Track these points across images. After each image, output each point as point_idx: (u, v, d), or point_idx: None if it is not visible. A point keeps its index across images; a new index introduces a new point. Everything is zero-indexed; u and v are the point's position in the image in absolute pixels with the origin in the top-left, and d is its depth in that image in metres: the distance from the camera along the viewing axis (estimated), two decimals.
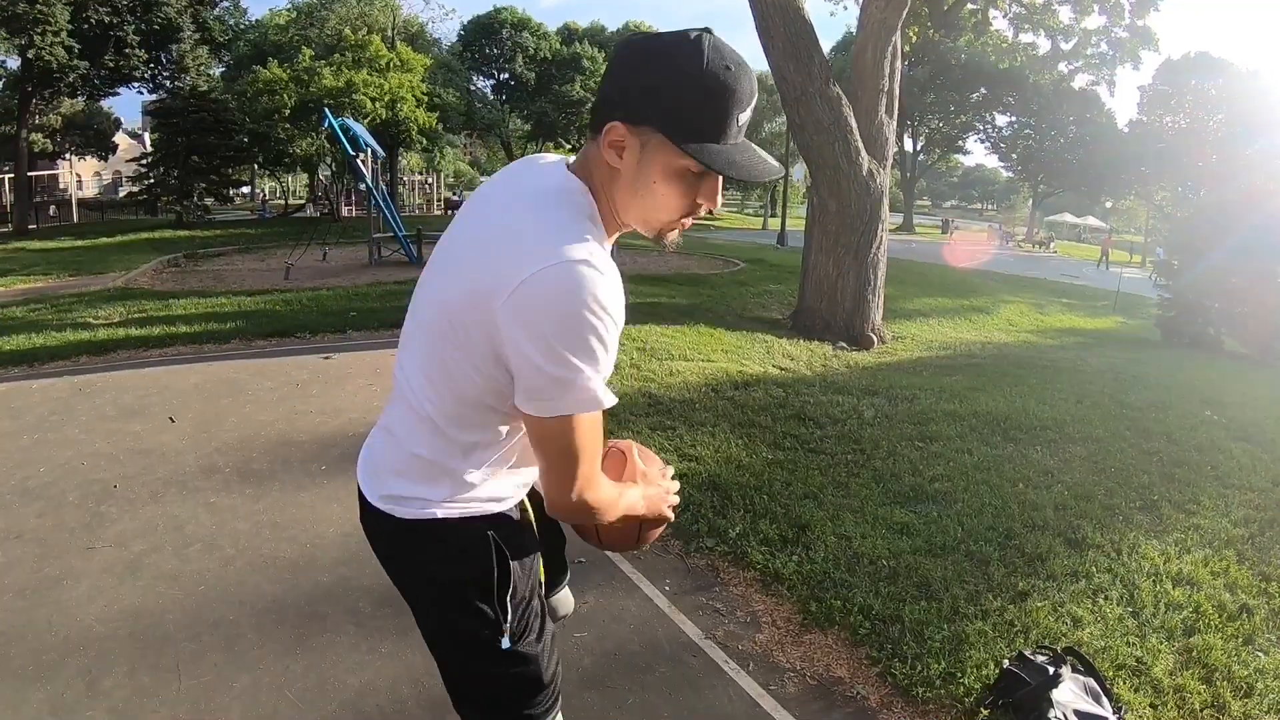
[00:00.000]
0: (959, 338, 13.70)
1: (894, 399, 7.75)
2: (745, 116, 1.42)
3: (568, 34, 63.66)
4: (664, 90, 1.38)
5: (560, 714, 1.81)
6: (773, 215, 52.53)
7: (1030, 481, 5.63)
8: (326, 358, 8.50)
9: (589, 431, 1.51)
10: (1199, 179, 50.30)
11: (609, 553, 4.40)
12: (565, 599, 2.35)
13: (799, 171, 43.87)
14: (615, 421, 6.27)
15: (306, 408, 6.77)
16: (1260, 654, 3.65)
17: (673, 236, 1.58)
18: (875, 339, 11.98)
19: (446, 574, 1.69)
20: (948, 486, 5.38)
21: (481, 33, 60.15)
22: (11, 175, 37.88)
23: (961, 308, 17.06)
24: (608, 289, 1.39)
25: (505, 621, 1.67)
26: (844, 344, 11.40)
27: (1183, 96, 56.46)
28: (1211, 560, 4.54)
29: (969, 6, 17.81)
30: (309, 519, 4.68)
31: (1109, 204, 70.11)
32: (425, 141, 39.66)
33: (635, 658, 3.54)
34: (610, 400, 1.47)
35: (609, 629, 3.75)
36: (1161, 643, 3.67)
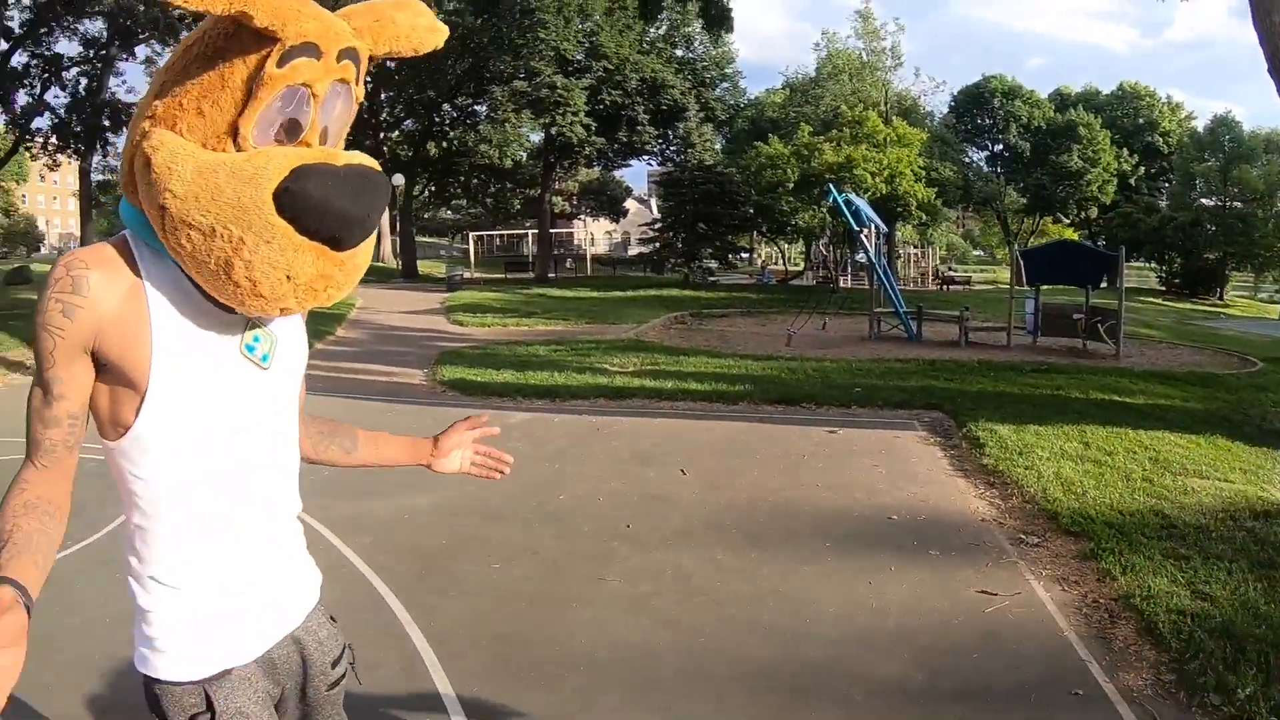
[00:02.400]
0: None
1: None
2: None
3: (1060, 100, 61.05)
4: None
5: None
6: None
7: None
8: (832, 432, 8.74)
9: None
10: None
11: (1108, 687, 4.07)
12: None
13: None
14: (1125, 542, 5.78)
15: (812, 480, 7.00)
16: None
17: None
18: None
19: None
20: None
21: (972, 103, 59.78)
22: (536, 231, 44.49)
23: None
24: None
25: None
26: None
27: None
28: None
29: None
30: (809, 593, 4.81)
31: None
32: (924, 216, 40.03)
33: None
34: None
35: None
36: None
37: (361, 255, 1.38)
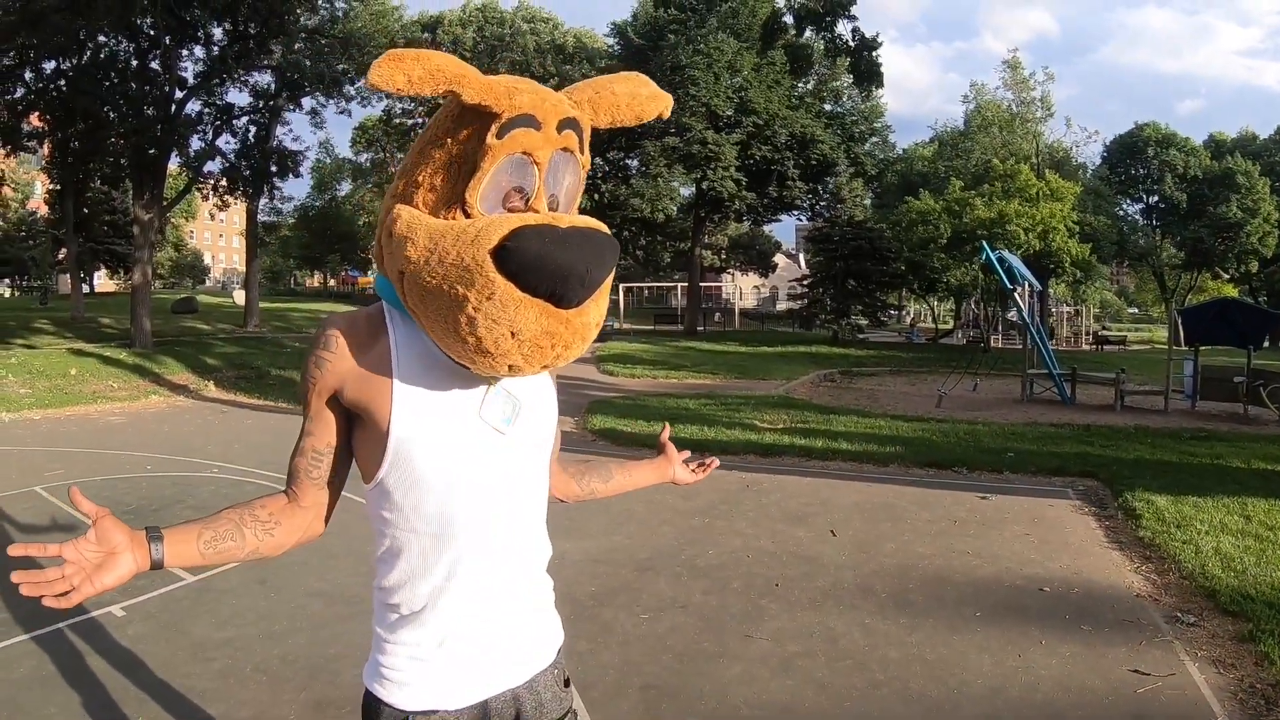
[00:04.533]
0: None
1: None
2: None
3: (1216, 147, 58.26)
4: None
5: None
6: None
7: None
8: (984, 498, 8.62)
9: None
10: None
11: None
12: None
13: None
14: None
15: (964, 547, 6.93)
16: None
17: None
18: None
19: None
20: None
21: (1125, 153, 57.83)
22: (685, 284, 45.17)
23: None
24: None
25: None
26: None
27: None
28: None
29: None
30: (958, 663, 4.77)
31: None
32: (1078, 273, 38.94)
33: None
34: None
35: None
36: None
37: (591, 314, 1.44)
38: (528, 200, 1.45)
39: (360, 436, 1.61)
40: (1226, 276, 60.14)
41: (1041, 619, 5.47)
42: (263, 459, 9.88)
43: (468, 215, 1.42)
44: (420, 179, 1.48)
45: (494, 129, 1.40)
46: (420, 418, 1.53)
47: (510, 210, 1.44)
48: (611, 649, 4.82)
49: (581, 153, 1.53)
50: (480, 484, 1.58)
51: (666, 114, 1.67)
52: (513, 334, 1.36)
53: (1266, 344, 18.03)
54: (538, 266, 1.32)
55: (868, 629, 5.20)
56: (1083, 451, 11.09)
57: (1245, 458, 10.88)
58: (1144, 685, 4.52)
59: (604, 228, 1.43)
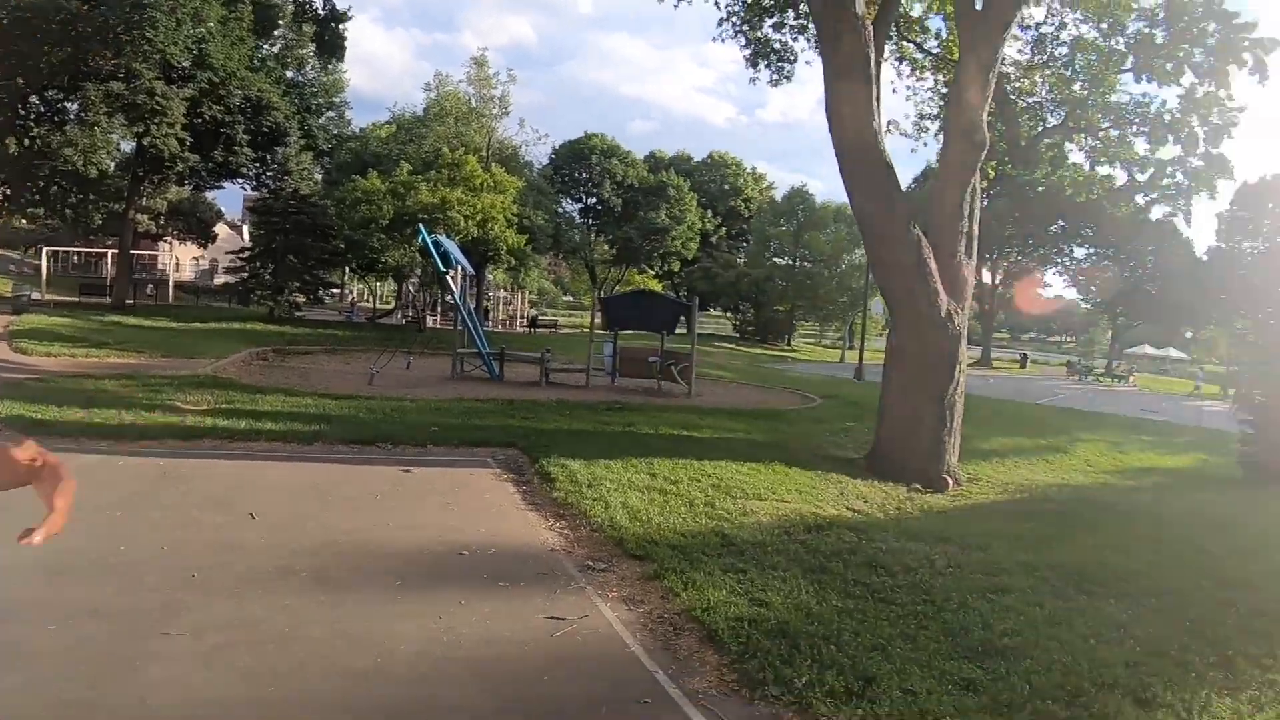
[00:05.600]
0: (1035, 479, 13.54)
1: (967, 547, 7.74)
2: None
3: (655, 162, 67.05)
4: None
5: None
6: (850, 347, 54.36)
7: (1101, 637, 5.60)
8: (406, 471, 8.90)
9: None
10: None
11: (674, 692, 4.56)
12: None
13: (878, 305, 44.40)
14: (688, 561, 6.46)
15: (385, 520, 7.13)
16: None
17: None
18: (950, 481, 12.09)
19: None
20: (1018, 641, 5.38)
21: (572, 157, 63.93)
22: (115, 251, 40.69)
23: (1038, 447, 16.87)
24: None
25: None
26: (919, 486, 11.50)
27: (1260, 221, 57.86)
28: None
29: (1045, 141, 18.79)
30: (382, 632, 4.94)
31: (1189, 334, 70.22)
32: (513, 260, 41.35)
33: None
34: None
35: None
36: None
37: None
38: None
39: None
40: (652, 273, 67.60)
41: (462, 581, 5.83)
42: None
43: None
44: None
45: None
46: None
47: None
48: (16, 669, 4.25)
49: None
50: None
51: None
52: None
53: (681, 330, 20.70)
54: None
55: (290, 610, 5.19)
56: (505, 424, 11.83)
57: (654, 425, 12.29)
58: (560, 629, 5.04)
59: None
